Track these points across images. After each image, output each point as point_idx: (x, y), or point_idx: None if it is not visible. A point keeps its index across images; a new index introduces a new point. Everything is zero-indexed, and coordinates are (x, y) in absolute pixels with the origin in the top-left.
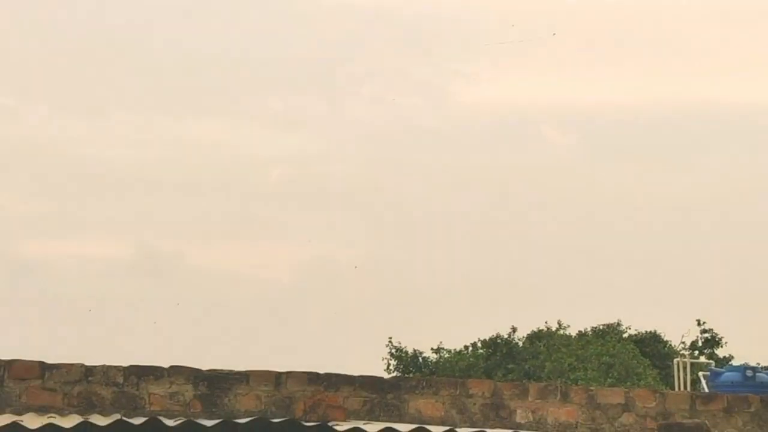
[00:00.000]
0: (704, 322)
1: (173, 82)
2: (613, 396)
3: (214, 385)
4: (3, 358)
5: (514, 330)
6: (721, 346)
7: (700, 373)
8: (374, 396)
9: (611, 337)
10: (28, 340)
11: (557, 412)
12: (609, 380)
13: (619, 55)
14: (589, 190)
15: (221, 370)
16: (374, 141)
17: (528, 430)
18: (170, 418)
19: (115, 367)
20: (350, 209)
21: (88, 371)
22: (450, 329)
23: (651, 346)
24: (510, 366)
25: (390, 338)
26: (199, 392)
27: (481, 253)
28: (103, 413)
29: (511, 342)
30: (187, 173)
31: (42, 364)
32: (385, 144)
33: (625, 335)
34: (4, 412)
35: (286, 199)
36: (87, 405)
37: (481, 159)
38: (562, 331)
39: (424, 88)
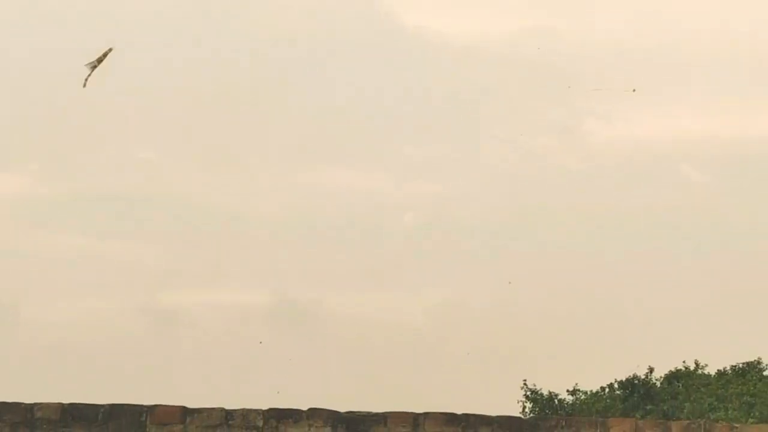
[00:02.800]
0: None
1: (309, 131)
2: None
3: (352, 427)
4: (145, 403)
5: (651, 370)
6: None
7: None
8: None
9: (752, 376)
10: (170, 387)
11: None
12: (751, 420)
13: (760, 88)
14: (726, 227)
15: (359, 411)
16: (508, 183)
17: None
18: None
19: (255, 410)
20: (484, 251)
21: (229, 415)
22: (586, 370)
23: None
24: (648, 407)
25: (525, 380)
26: None
27: (616, 292)
28: None
29: (649, 382)
30: (321, 221)
31: (183, 408)
32: (519, 186)
33: (766, 373)
34: None
35: (419, 243)
36: None
37: (616, 198)
38: (700, 371)
39: (558, 128)
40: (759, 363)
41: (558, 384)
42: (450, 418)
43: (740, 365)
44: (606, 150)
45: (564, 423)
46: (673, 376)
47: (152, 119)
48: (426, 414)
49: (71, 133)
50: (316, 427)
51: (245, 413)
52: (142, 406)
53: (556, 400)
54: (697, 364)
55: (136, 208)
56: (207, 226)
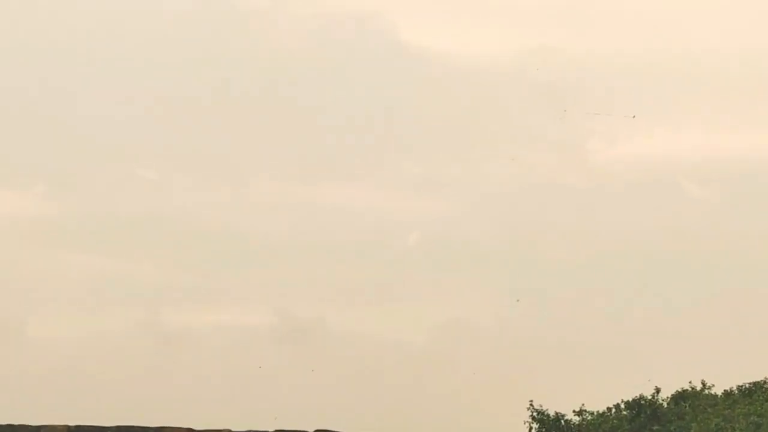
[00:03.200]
0: None
1: (312, 149)
2: None
3: None
4: (152, 425)
5: (658, 391)
6: None
7: None
8: None
9: (759, 396)
10: (175, 407)
11: None
12: None
13: (759, 105)
14: (729, 244)
15: None
16: (511, 201)
17: None
18: None
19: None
20: (488, 270)
21: None
22: (592, 391)
23: None
24: (655, 428)
25: (531, 401)
26: None
27: (621, 312)
28: None
29: (655, 403)
30: (325, 239)
31: (190, 430)
32: (522, 204)
33: None
34: None
35: (423, 262)
36: None
37: (619, 216)
38: (707, 391)
39: (560, 147)
40: (766, 383)
41: (564, 404)
42: None
43: (747, 385)
44: (608, 168)
45: None
46: (680, 397)
47: (155, 139)
48: None
49: (76, 154)
50: None
51: None
52: (148, 428)
53: (562, 421)
54: (703, 384)
55: (140, 228)
56: (210, 245)
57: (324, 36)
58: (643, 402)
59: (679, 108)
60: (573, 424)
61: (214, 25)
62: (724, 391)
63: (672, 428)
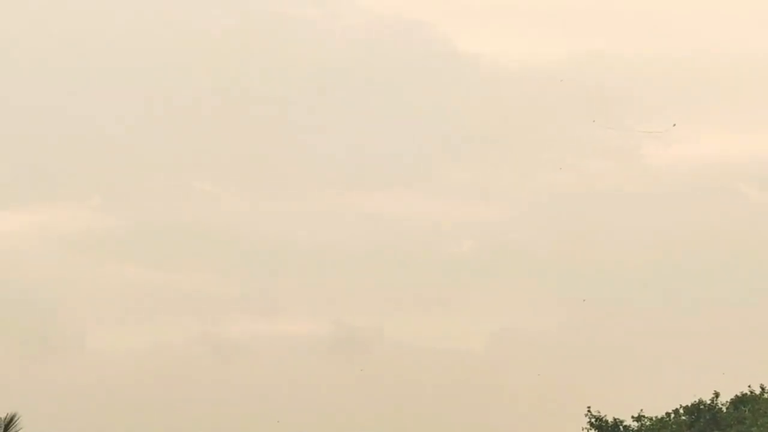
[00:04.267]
0: None
1: (365, 158)
2: None
3: None
4: None
5: (717, 395)
6: None
7: None
8: None
9: None
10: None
11: None
12: None
13: None
14: None
15: None
16: (565, 207)
17: None
18: None
19: None
20: (542, 276)
21: None
22: (651, 396)
23: None
24: None
25: (589, 407)
26: None
27: (679, 315)
28: None
29: (715, 408)
30: (379, 248)
31: None
32: (576, 210)
33: None
34: None
35: (477, 269)
36: None
37: (675, 219)
38: (766, 395)
39: (615, 151)
40: None
41: (623, 410)
42: None
43: None
44: (662, 171)
45: None
46: (740, 401)
47: (210, 151)
48: None
49: (131, 167)
50: None
51: None
52: None
53: (621, 427)
54: (762, 389)
55: (196, 239)
56: (267, 256)
57: (375, 45)
58: (702, 407)
59: (734, 111)
60: (631, 430)
61: (267, 37)
62: None
63: None
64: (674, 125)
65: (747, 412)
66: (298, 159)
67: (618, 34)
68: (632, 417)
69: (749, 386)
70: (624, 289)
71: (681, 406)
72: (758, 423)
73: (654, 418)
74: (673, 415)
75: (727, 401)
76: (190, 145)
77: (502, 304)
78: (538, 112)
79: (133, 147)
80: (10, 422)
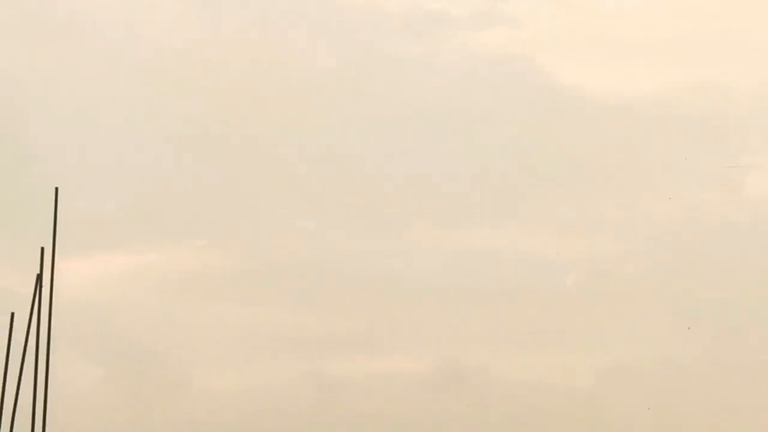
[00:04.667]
0: None
1: (465, 190)
2: None
3: None
4: None
5: None
6: None
7: None
8: None
9: None
10: None
11: None
12: None
13: None
14: None
15: None
16: (671, 240)
17: None
18: None
19: None
20: (651, 310)
21: None
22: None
23: None
24: None
25: None
26: None
27: None
28: None
29: None
30: (482, 284)
31: None
32: (683, 243)
33: None
34: None
35: (584, 303)
36: None
37: None
38: None
39: (720, 182)
40: None
41: None
42: None
43: None
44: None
45: None
46: None
47: (310, 189)
48: None
49: (233, 207)
50: None
51: None
52: None
53: None
54: None
55: (300, 277)
56: (368, 292)
57: (474, 80)
58: None
59: None
60: None
61: (365, 75)
62: None
63: None
64: None
65: None
66: (398, 194)
67: (723, 66)
68: None
69: None
70: (738, 322)
71: None
72: None
73: None
74: None
75: None
76: (291, 184)
77: (612, 338)
78: (642, 143)
79: (235, 187)
80: None
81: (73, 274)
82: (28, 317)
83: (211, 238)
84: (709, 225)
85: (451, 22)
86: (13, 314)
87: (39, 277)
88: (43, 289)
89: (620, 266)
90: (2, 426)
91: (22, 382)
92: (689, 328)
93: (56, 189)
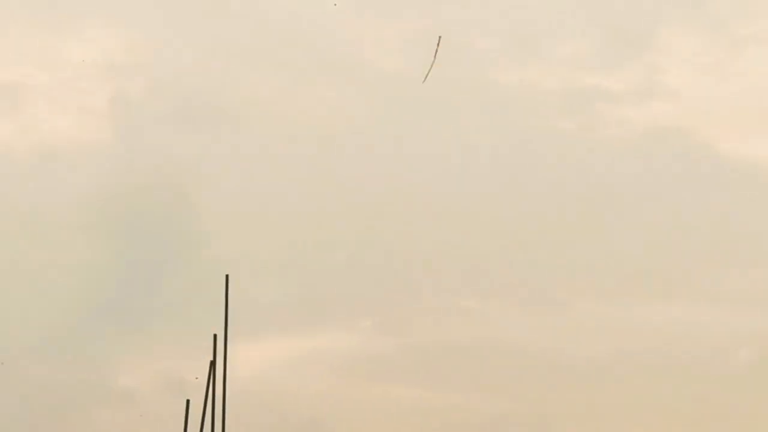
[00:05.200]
0: None
1: (628, 267)
2: None
3: None
4: None
5: None
6: None
7: None
8: None
9: None
10: None
11: None
12: None
13: None
14: None
15: None
16: None
17: None
18: None
19: None
20: None
21: None
22: None
23: None
24: None
25: None
26: None
27: None
28: None
29: None
30: (649, 360)
31: None
32: None
33: None
34: None
35: (757, 380)
36: None
37: None
38: None
39: None
40: None
41: None
42: None
43: None
44: None
45: None
46: None
47: (473, 270)
48: None
49: (398, 290)
50: None
51: None
52: None
53: None
54: None
55: (468, 358)
56: (535, 370)
57: (634, 153)
58: None
59: None
60: None
61: (520, 152)
62: None
63: None
64: None
65: None
66: (561, 270)
67: None
68: None
69: None
70: None
71: None
72: None
73: None
74: None
75: None
76: (455, 265)
77: None
78: None
79: (402, 272)
80: None
81: (243, 359)
82: (203, 404)
83: (375, 321)
84: None
85: (609, 95)
86: (188, 401)
87: (212, 364)
88: (216, 375)
89: None
90: None
91: None
92: None
93: (227, 276)
